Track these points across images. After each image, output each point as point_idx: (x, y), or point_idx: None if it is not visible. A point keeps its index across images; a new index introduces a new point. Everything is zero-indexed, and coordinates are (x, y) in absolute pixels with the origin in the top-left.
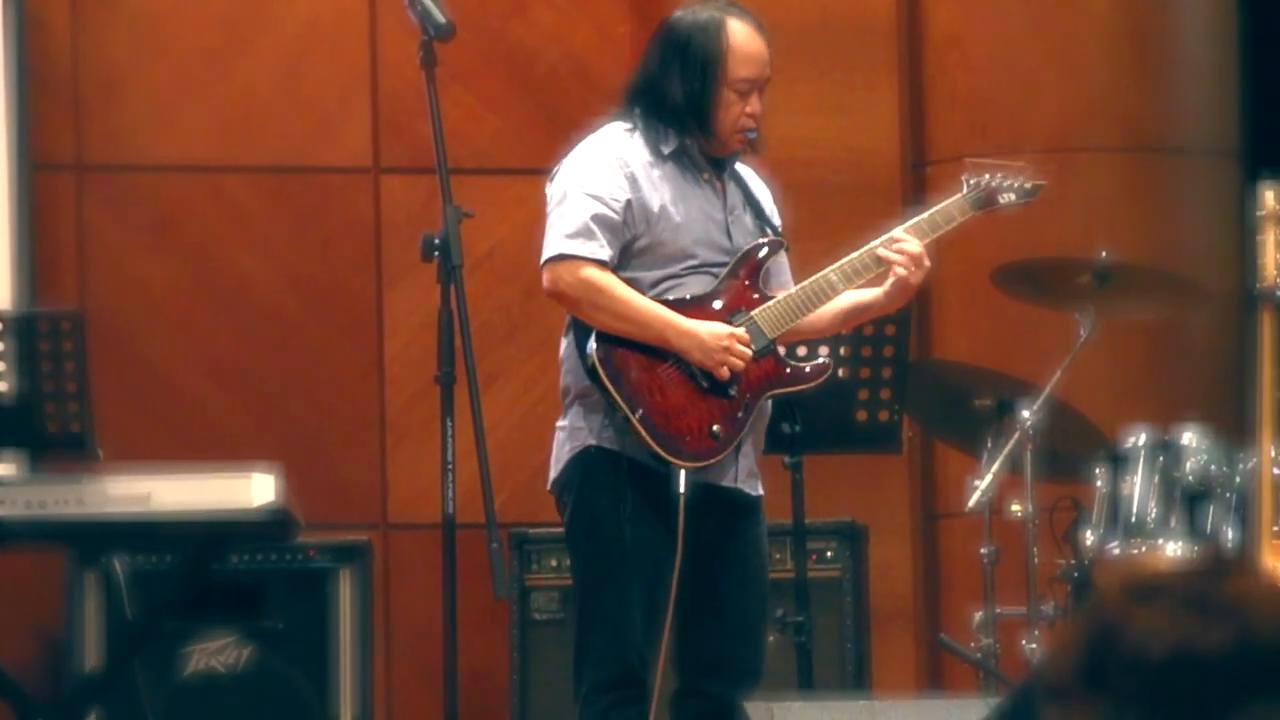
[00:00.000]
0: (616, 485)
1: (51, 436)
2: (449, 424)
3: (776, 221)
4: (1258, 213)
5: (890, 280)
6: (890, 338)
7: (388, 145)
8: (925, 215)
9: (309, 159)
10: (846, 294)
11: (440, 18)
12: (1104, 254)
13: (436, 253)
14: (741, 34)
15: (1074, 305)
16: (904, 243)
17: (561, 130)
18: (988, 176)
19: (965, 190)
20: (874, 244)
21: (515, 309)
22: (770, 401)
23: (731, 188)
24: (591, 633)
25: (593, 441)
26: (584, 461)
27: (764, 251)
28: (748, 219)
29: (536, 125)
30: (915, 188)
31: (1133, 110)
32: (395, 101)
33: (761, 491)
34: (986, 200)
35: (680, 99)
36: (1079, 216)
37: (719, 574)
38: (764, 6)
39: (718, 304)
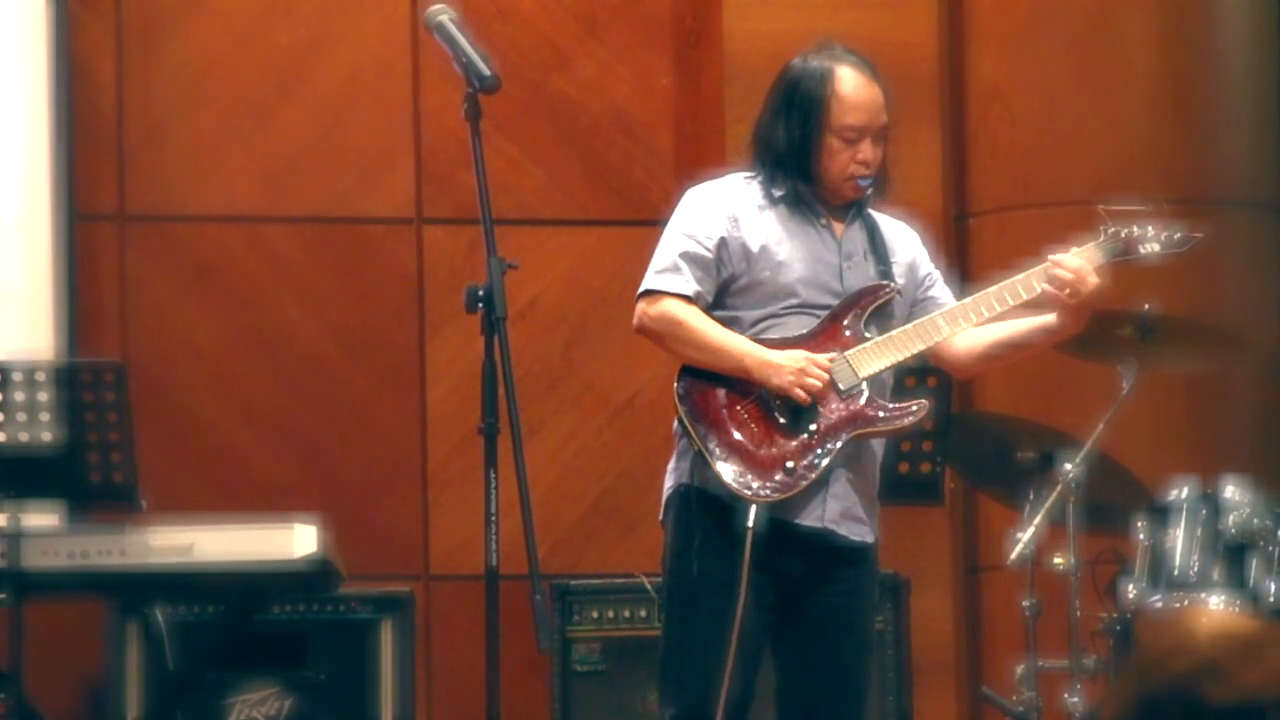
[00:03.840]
0: (692, 522)
1: (94, 487)
2: (492, 475)
3: (925, 271)
4: None
5: (1066, 294)
6: (932, 389)
7: (430, 196)
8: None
9: (351, 209)
10: (1019, 324)
11: (485, 70)
12: (1146, 306)
13: (480, 304)
14: (849, 81)
15: (1116, 358)
16: (1062, 265)
17: (603, 181)
18: (1127, 225)
19: (1101, 238)
20: (988, 290)
21: (557, 360)
22: (877, 445)
23: (854, 233)
24: (668, 667)
25: (684, 480)
26: (674, 500)
27: (870, 296)
28: (869, 266)
29: (579, 176)
30: (958, 239)
31: (1175, 163)
32: (438, 152)
33: (869, 539)
34: (1125, 249)
35: (783, 146)
36: (1121, 268)
37: (815, 621)
38: None
39: (812, 343)
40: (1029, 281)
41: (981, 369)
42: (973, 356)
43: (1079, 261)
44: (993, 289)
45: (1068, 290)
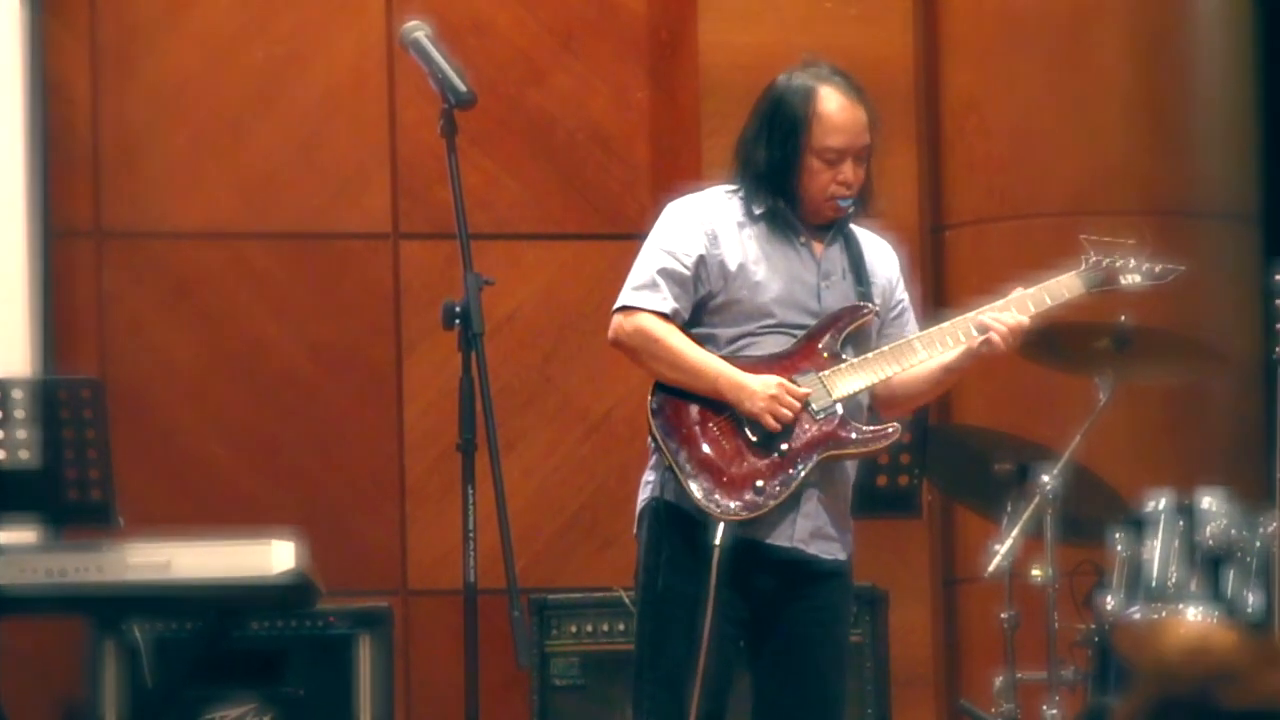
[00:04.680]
0: (662, 536)
1: (72, 504)
2: (471, 491)
3: (897, 298)
4: (1276, 277)
5: (979, 342)
6: None
7: (407, 211)
8: (1031, 291)
9: (328, 225)
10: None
11: (461, 86)
12: (1123, 318)
13: (458, 320)
14: (831, 102)
15: (1093, 369)
16: (1007, 314)
17: (579, 195)
18: (1109, 255)
19: (1082, 267)
20: (967, 315)
21: (534, 374)
22: (850, 465)
23: (834, 253)
24: (641, 682)
25: (655, 494)
26: (646, 513)
27: (848, 317)
28: (846, 285)
29: (555, 190)
30: (934, 252)
31: (1151, 174)
32: (414, 167)
33: (841, 556)
34: (1105, 280)
35: (763, 164)
36: None
37: (789, 636)
38: (780, 70)
39: (787, 363)
40: (1010, 309)
41: (899, 411)
42: (918, 388)
43: (1016, 320)
44: (970, 314)
45: (990, 346)
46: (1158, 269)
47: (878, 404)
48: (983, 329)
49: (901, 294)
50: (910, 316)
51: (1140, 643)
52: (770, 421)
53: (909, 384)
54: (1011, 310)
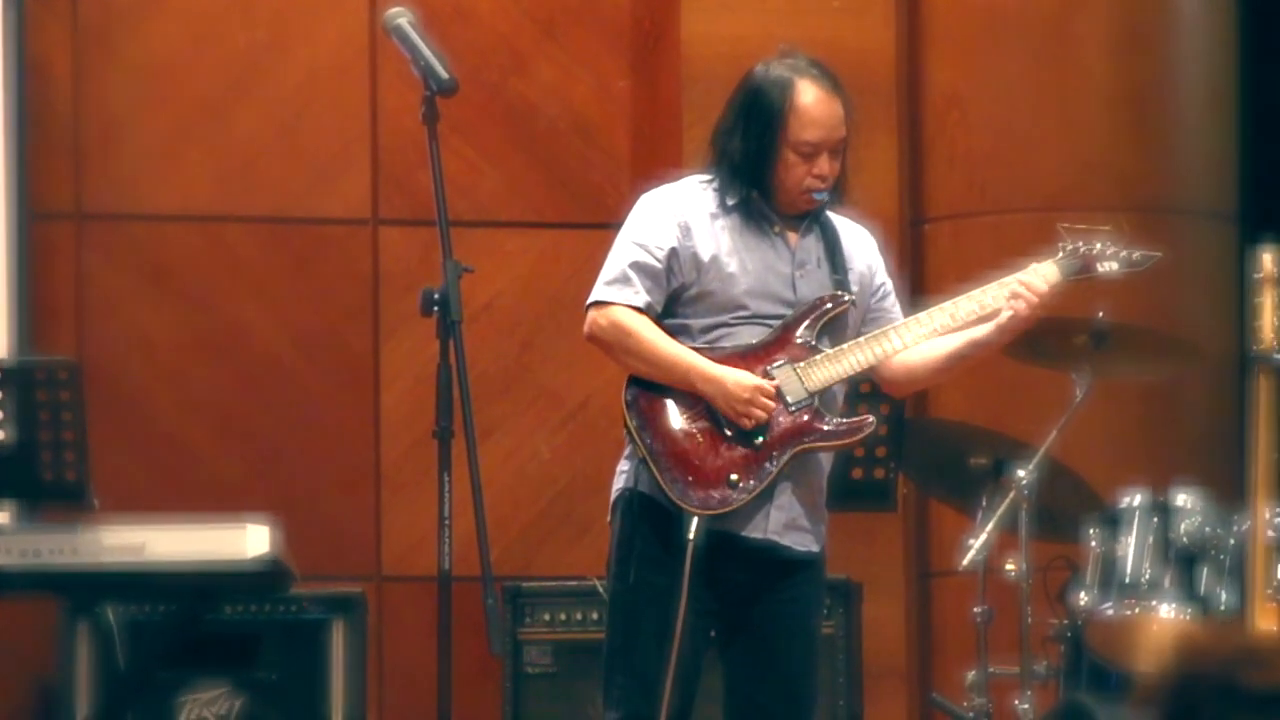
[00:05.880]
0: (635, 527)
1: (47, 486)
2: (447, 478)
3: (879, 281)
4: (1254, 275)
5: (1007, 315)
6: (886, 395)
7: (386, 197)
8: (1009, 279)
9: (308, 210)
10: (952, 338)
11: (443, 73)
12: (1100, 314)
13: (436, 307)
14: (809, 95)
15: (1070, 365)
16: (1027, 283)
17: (560, 184)
18: (1086, 243)
19: (1059, 255)
20: (944, 304)
21: (512, 362)
22: (824, 457)
23: (809, 242)
24: (611, 672)
25: (629, 485)
26: (620, 503)
27: (824, 307)
28: (822, 274)
29: (535, 179)
30: (914, 245)
31: (1130, 171)
32: (394, 153)
33: (814, 548)
34: (1083, 267)
35: (739, 156)
36: None
37: (762, 629)
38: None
39: (763, 354)
40: (985, 297)
41: (916, 388)
42: (910, 375)
43: (1043, 285)
44: (947, 304)
45: (1025, 309)
46: (1135, 256)
47: (886, 385)
48: (1013, 296)
49: (884, 277)
50: (894, 299)
51: (1114, 639)
52: (746, 422)
53: (928, 363)
54: (1029, 278)
